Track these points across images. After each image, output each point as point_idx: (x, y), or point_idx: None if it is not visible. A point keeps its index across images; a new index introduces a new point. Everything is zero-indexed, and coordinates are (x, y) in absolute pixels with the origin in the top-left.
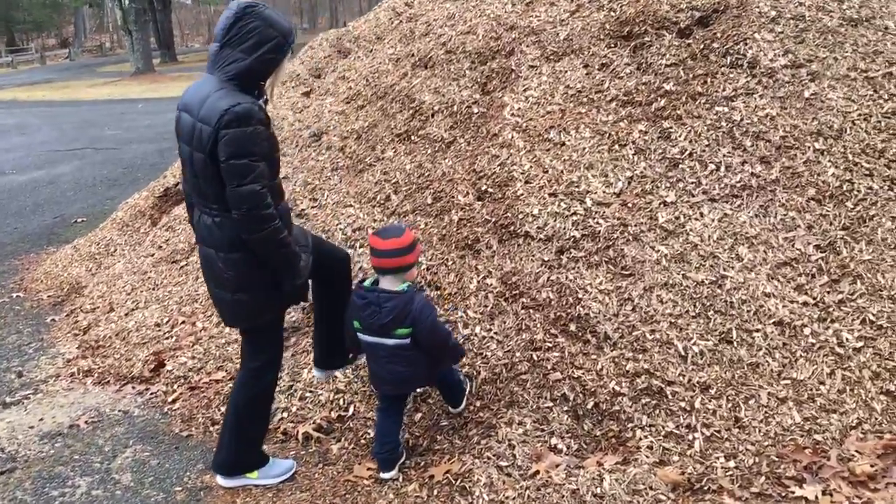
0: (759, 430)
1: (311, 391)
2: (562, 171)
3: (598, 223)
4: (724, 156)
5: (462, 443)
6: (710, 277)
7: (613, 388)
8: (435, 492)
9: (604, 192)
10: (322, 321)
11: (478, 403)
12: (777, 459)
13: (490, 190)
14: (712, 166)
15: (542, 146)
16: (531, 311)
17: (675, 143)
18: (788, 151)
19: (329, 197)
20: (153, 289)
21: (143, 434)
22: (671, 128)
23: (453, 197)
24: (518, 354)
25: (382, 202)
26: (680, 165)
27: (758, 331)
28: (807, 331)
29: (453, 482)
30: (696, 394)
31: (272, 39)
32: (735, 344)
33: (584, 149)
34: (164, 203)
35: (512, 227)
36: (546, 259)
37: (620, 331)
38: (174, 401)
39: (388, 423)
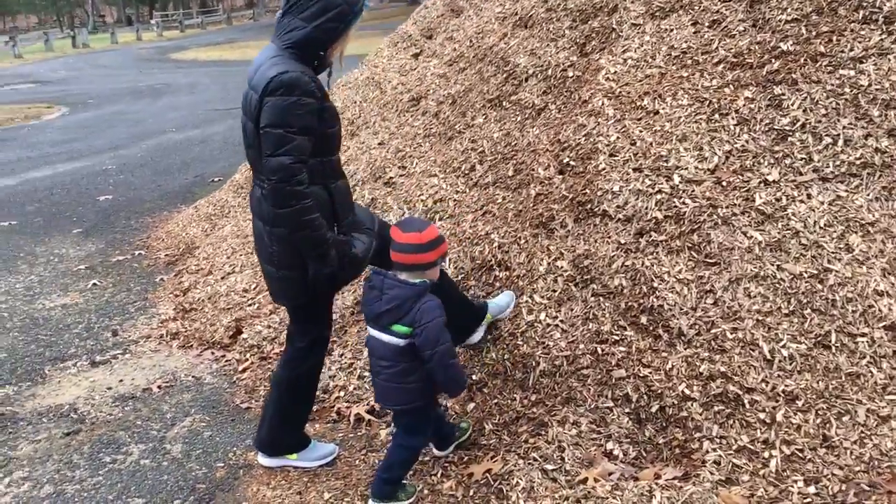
0: (851, 453)
1: (369, 371)
2: (651, 144)
3: (684, 203)
4: (843, 128)
5: (510, 440)
6: (810, 270)
7: (683, 392)
8: (471, 492)
9: (696, 167)
10: None
11: (533, 397)
12: (868, 489)
13: (572, 163)
14: (828, 140)
15: (633, 115)
16: (601, 298)
17: (787, 113)
18: None
19: (417, 165)
20: (250, 253)
21: (207, 403)
22: (783, 94)
23: (533, 169)
24: (582, 346)
25: (466, 172)
26: (789, 138)
27: (863, 335)
28: None
29: (492, 483)
30: (779, 405)
31: (335, 7)
32: (833, 349)
33: (680, 118)
34: None
35: (590, 205)
36: (623, 242)
37: (697, 327)
38: (244, 370)
39: (391, 444)
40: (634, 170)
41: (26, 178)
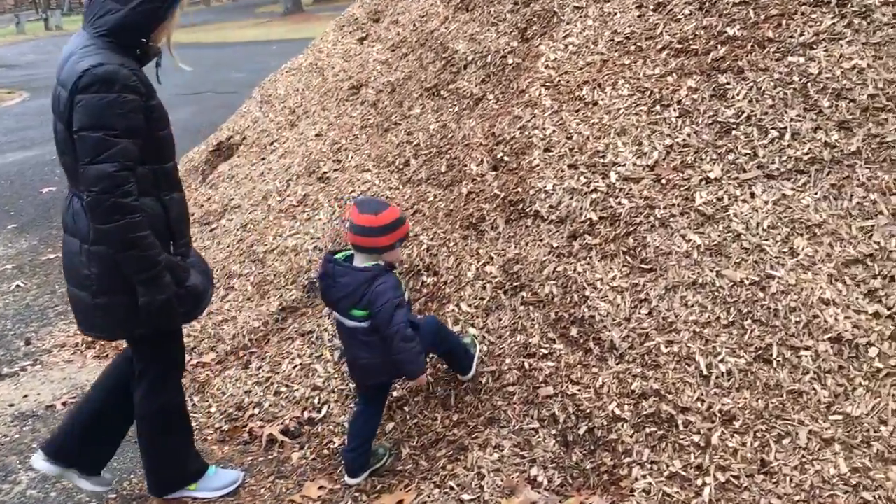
0: (791, 480)
1: (287, 385)
2: (588, 138)
3: (620, 203)
4: (791, 120)
5: (427, 465)
6: (752, 277)
7: (613, 412)
8: None
9: (634, 164)
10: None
11: (455, 417)
12: None
13: (506, 158)
14: (774, 133)
15: (571, 106)
16: (531, 308)
17: (731, 104)
18: (878, 115)
19: (352, 159)
20: None
21: None
22: (728, 84)
23: (466, 165)
24: (508, 361)
25: (401, 168)
26: (733, 132)
27: (807, 348)
28: (873, 351)
29: None
30: (714, 426)
31: None
32: (775, 364)
33: (619, 110)
34: (217, 158)
35: (521, 205)
36: (555, 245)
37: (630, 339)
38: None
39: (359, 420)
40: (570, 166)
41: None
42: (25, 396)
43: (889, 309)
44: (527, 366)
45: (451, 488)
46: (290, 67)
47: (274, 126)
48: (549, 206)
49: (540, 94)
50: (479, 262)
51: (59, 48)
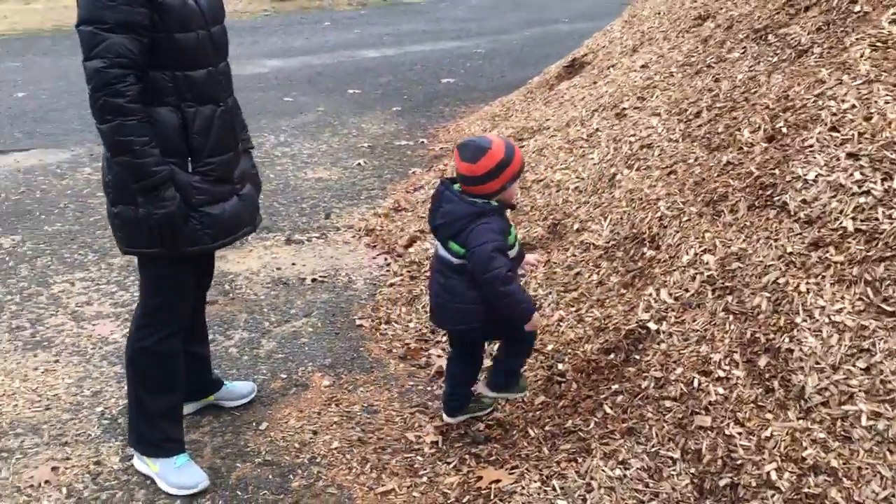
0: None
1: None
2: (890, 123)
3: (890, 217)
4: None
5: (548, 453)
6: None
7: (768, 475)
8: (465, 499)
9: None
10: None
11: (598, 414)
12: None
13: (784, 130)
14: None
15: (891, 77)
16: (730, 317)
17: None
18: None
19: (656, 98)
20: None
21: (332, 309)
22: None
23: (739, 130)
24: (679, 371)
25: (689, 118)
26: None
27: None
28: None
29: (491, 498)
30: None
31: None
32: None
33: None
34: (567, 74)
35: (771, 192)
36: (789, 251)
37: (827, 394)
38: (391, 285)
39: (450, 364)
40: (849, 155)
41: (406, 51)
42: (293, 264)
43: None
44: (696, 383)
45: (552, 489)
46: None
47: (619, 49)
48: (800, 201)
49: (861, 56)
50: (700, 246)
51: None
